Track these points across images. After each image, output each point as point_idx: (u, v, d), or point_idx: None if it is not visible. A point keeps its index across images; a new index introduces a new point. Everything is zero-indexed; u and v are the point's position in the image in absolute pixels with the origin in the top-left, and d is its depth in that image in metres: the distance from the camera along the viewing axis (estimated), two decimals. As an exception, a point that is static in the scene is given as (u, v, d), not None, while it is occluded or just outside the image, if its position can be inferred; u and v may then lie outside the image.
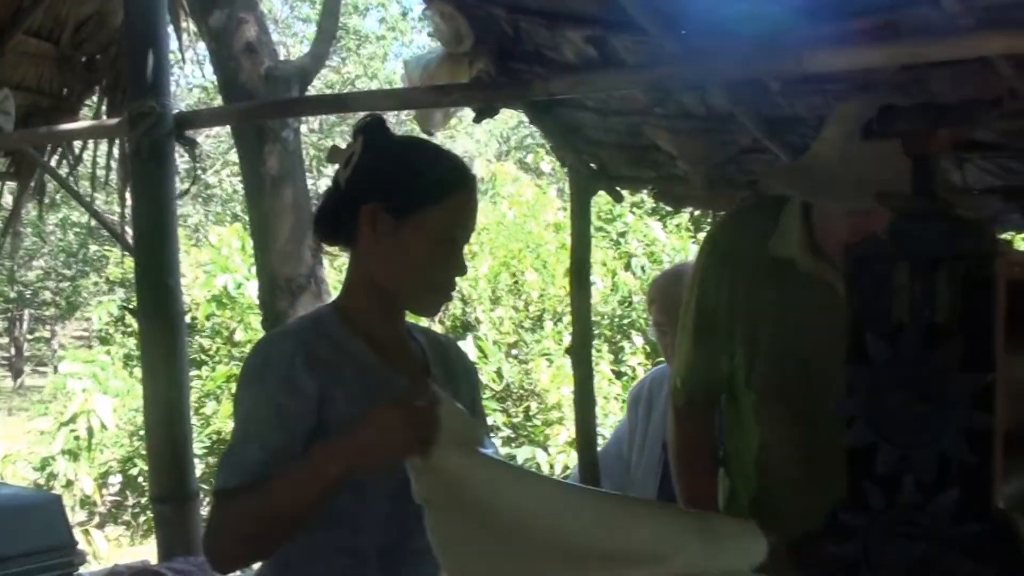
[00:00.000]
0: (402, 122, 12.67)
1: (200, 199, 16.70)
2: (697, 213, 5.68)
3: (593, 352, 3.94)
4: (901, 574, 0.97)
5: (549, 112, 3.40)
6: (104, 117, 4.45)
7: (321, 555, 1.81)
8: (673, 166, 3.39)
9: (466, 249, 1.93)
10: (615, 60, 2.94)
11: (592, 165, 3.61)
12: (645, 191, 4.04)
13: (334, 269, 9.67)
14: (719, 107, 3.03)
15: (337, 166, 1.91)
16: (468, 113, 4.11)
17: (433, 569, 1.90)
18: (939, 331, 0.98)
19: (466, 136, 19.26)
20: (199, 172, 14.75)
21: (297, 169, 4.55)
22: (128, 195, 3.34)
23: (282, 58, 4.61)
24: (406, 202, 1.83)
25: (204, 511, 9.14)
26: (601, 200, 7.51)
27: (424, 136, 2.98)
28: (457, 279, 1.92)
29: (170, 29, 3.93)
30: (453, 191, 1.85)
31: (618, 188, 3.68)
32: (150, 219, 3.25)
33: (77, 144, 4.51)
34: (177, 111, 3.24)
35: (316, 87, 10.27)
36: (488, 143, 19.97)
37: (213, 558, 1.75)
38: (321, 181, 15.48)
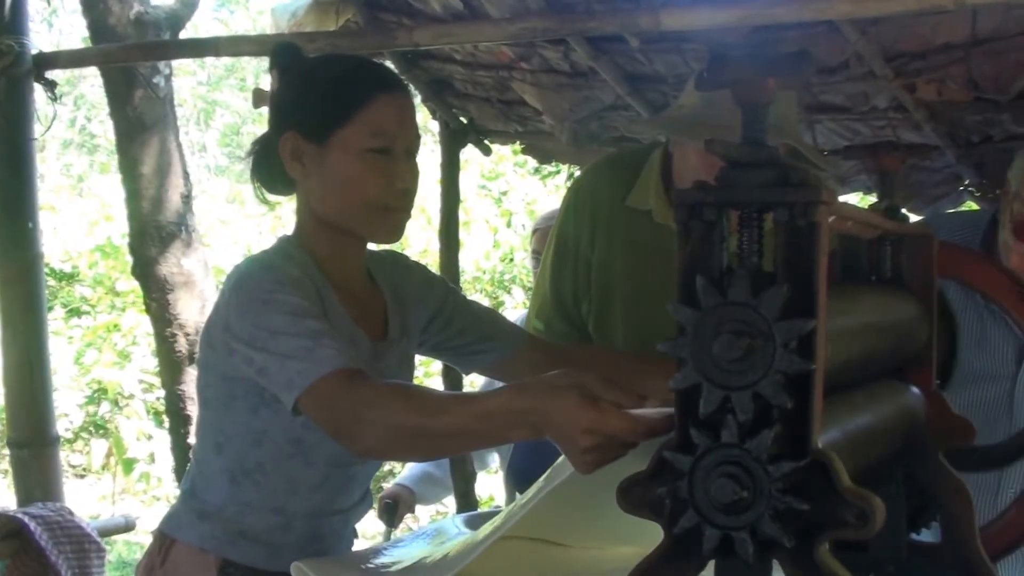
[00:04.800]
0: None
1: (85, 148, 16.23)
2: (576, 174, 5.72)
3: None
4: (723, 511, 1.01)
5: (418, 64, 3.42)
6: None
7: (252, 510, 1.75)
8: (540, 121, 3.44)
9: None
10: (480, 13, 2.98)
11: (461, 119, 3.64)
12: (510, 146, 4.08)
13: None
14: (582, 63, 3.09)
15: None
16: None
17: (352, 528, 1.88)
18: (764, 277, 1.02)
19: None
20: (87, 121, 14.31)
21: (169, 116, 4.50)
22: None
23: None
24: (322, 123, 1.69)
25: (78, 459, 9.01)
26: (485, 159, 7.54)
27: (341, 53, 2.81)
28: (409, 193, 1.74)
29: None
30: (369, 99, 1.69)
31: (487, 142, 3.72)
32: (7, 162, 3.19)
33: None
34: (37, 51, 3.17)
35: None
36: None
37: (353, 446, 1.54)
38: (208, 135, 15.18)
